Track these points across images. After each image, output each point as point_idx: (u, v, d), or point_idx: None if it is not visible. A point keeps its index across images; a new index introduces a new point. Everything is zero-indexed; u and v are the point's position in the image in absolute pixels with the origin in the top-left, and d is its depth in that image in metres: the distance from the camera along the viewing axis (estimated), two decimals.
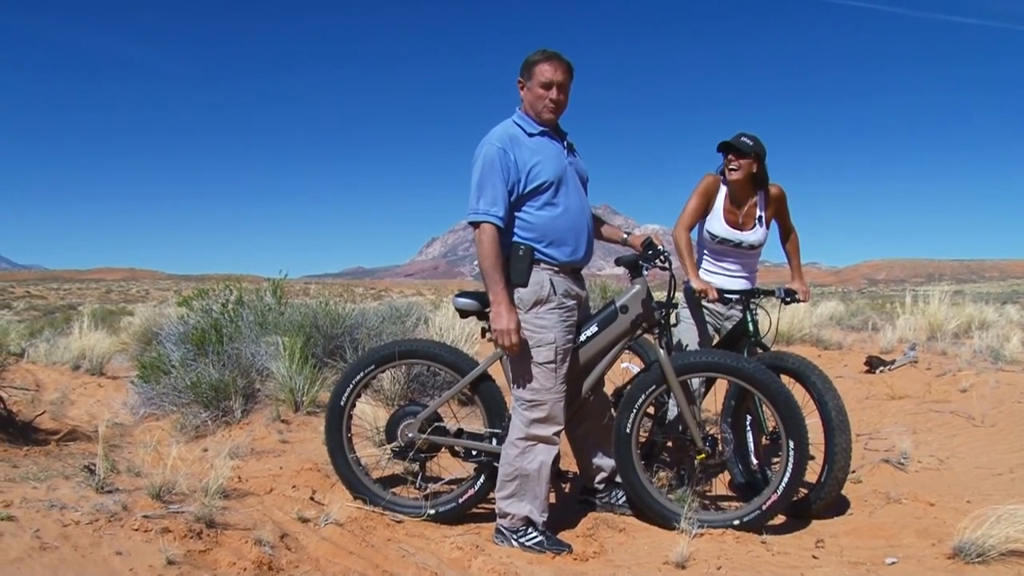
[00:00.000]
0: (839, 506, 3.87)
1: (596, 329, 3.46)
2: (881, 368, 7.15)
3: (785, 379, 3.81)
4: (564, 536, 3.43)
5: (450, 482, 3.79)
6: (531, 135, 3.31)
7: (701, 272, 4.15)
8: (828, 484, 3.64)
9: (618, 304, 3.48)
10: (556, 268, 3.32)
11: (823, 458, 3.67)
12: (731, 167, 4.03)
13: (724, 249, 4.16)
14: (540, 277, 3.29)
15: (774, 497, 3.36)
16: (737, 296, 4.10)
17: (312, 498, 3.55)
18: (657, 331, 3.50)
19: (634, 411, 3.46)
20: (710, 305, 4.18)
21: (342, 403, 3.66)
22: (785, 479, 3.34)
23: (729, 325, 4.22)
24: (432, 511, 3.50)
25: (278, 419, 4.98)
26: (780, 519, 3.70)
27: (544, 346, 3.27)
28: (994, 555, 2.86)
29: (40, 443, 4.68)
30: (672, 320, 3.61)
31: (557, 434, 3.35)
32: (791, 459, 3.33)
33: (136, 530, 2.66)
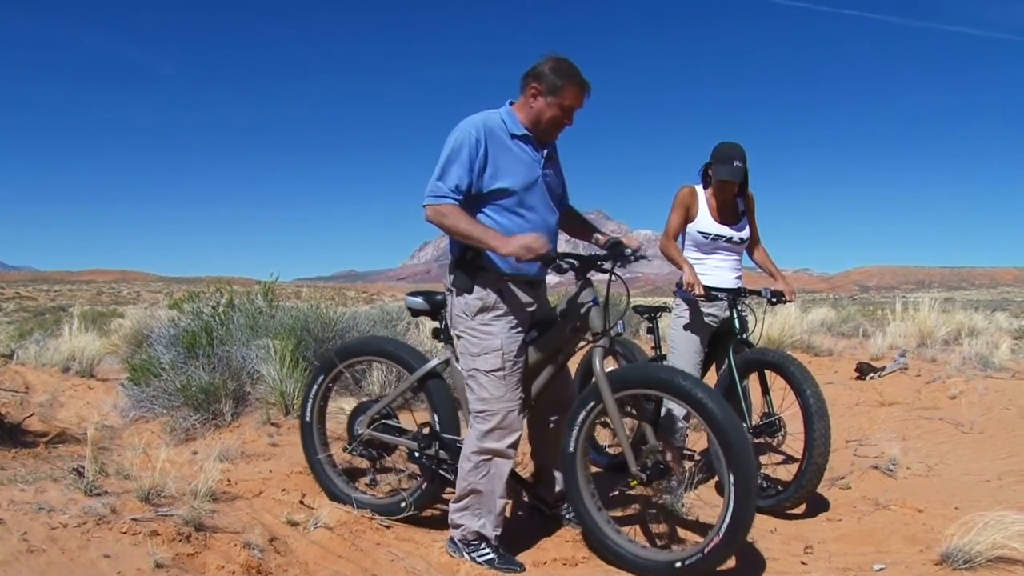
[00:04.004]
0: (828, 511, 3.89)
1: (535, 333, 3.28)
2: (871, 375, 7.18)
3: (768, 372, 3.99)
4: (552, 541, 3.42)
5: (411, 476, 3.80)
6: (513, 136, 3.14)
7: None
8: (808, 471, 3.70)
9: (558, 310, 3.30)
10: (503, 277, 3.17)
11: (803, 446, 3.73)
12: (725, 190, 4.17)
13: (716, 246, 4.26)
14: (487, 284, 3.15)
15: (716, 540, 2.83)
16: (725, 294, 4.16)
17: (302, 502, 3.54)
18: (599, 341, 3.19)
19: (576, 428, 3.16)
20: (708, 308, 4.23)
21: (307, 419, 3.78)
22: (727, 519, 2.81)
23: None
24: (403, 504, 3.48)
25: (268, 422, 4.97)
26: (774, 524, 3.71)
27: (491, 353, 3.13)
28: (981, 561, 2.88)
29: (28, 445, 4.65)
30: (614, 331, 3.25)
31: (513, 445, 3.18)
32: (732, 495, 2.80)
33: (124, 533, 2.66)
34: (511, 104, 3.21)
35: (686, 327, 4.28)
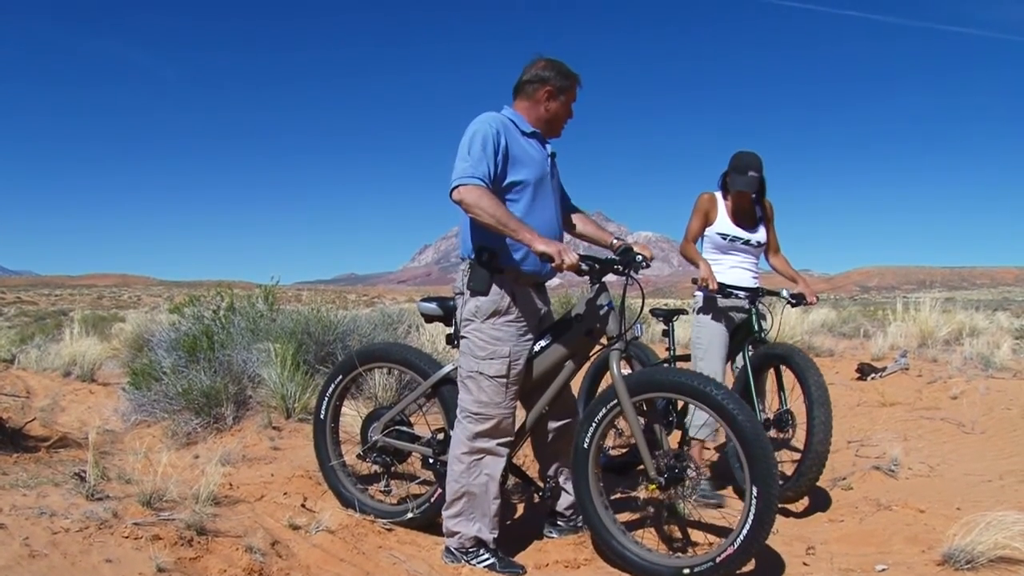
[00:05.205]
0: (830, 512, 3.89)
1: (549, 340, 3.26)
2: (872, 375, 7.18)
3: (784, 369, 4.03)
4: (554, 543, 3.42)
5: (423, 483, 3.79)
6: (524, 133, 3.22)
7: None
8: (808, 459, 3.73)
9: (573, 313, 3.27)
10: (519, 279, 3.19)
11: (805, 433, 3.78)
12: (742, 196, 4.31)
13: (733, 247, 4.36)
14: (502, 287, 3.14)
15: (730, 551, 2.81)
16: (743, 293, 4.21)
17: (303, 505, 3.54)
18: (615, 345, 3.18)
19: (594, 425, 3.12)
20: (728, 303, 4.26)
21: (322, 417, 3.80)
22: (744, 532, 2.79)
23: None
24: (410, 515, 3.48)
25: (269, 426, 4.97)
26: (776, 524, 3.70)
27: (497, 359, 3.12)
28: (983, 561, 2.87)
29: (30, 450, 4.65)
30: (625, 334, 3.25)
31: (504, 445, 3.19)
32: (752, 509, 2.77)
33: (126, 537, 2.65)
34: (510, 107, 3.29)
35: (710, 324, 4.33)
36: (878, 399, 6.32)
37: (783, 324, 8.87)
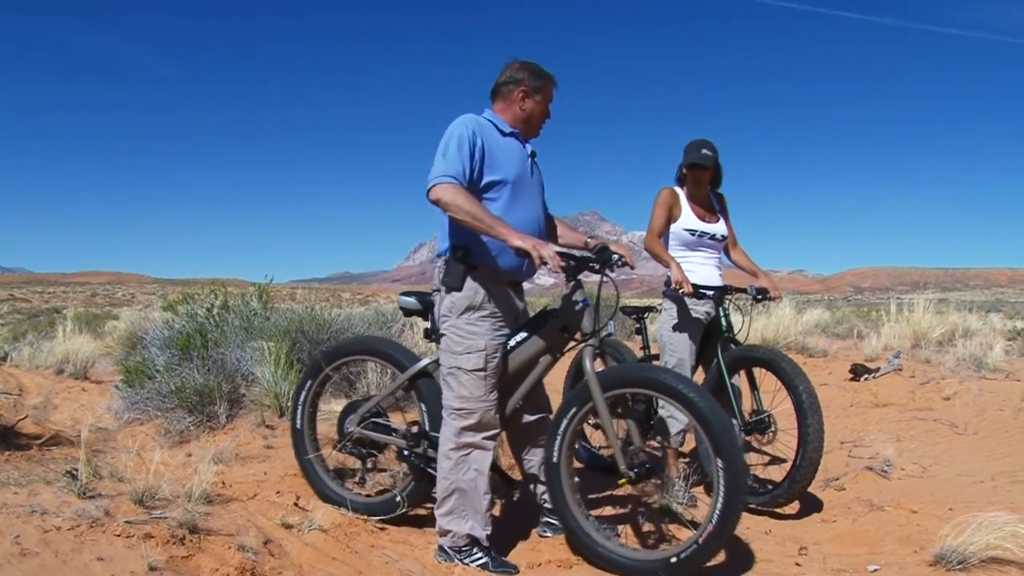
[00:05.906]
0: (823, 513, 3.90)
1: (525, 335, 3.28)
2: (866, 376, 7.20)
3: (757, 369, 4.02)
4: (547, 542, 3.42)
5: (403, 475, 3.78)
6: (504, 133, 3.28)
7: None
8: (803, 466, 3.73)
9: (549, 308, 3.31)
10: (495, 276, 3.22)
11: (797, 441, 3.76)
12: (699, 180, 4.31)
13: (701, 242, 4.33)
14: (476, 283, 3.18)
15: (710, 528, 2.83)
16: (711, 292, 4.19)
17: (296, 504, 3.54)
18: (589, 341, 3.21)
19: (559, 437, 3.16)
20: (697, 305, 4.24)
21: (298, 426, 3.80)
22: (718, 508, 2.82)
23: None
24: (398, 499, 3.48)
25: (263, 424, 4.96)
26: (769, 525, 3.72)
27: (474, 353, 3.16)
28: (975, 562, 2.88)
29: (22, 448, 4.64)
30: (604, 330, 3.28)
31: (489, 438, 3.21)
32: (722, 482, 2.80)
33: (118, 536, 2.65)
34: (490, 110, 3.34)
35: (677, 327, 4.28)
36: (871, 400, 6.34)
37: (778, 325, 8.90)
